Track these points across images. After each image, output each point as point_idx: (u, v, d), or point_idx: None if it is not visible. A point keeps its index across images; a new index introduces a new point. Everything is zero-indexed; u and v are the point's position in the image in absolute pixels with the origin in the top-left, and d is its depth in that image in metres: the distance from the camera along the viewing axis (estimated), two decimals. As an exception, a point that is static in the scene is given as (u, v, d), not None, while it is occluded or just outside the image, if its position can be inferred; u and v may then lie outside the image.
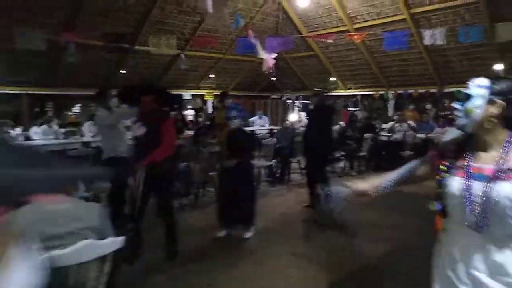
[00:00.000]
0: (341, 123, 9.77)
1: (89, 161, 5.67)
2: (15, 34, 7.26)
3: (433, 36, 8.39)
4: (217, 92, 12.95)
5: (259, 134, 11.10)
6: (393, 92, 11.94)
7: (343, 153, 8.46)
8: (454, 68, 10.23)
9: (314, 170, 5.30)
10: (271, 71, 10.59)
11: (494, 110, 1.34)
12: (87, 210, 1.99)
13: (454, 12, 8.68)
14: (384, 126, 9.55)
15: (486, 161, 1.36)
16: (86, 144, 7.95)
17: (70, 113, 11.99)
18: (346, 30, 10.41)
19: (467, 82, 1.44)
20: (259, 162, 6.93)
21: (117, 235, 2.05)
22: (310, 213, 5.30)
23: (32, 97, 10.33)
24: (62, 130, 9.21)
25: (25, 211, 1.95)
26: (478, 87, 1.38)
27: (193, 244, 4.10)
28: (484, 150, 1.39)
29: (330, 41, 9.91)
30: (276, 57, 11.08)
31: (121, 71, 10.52)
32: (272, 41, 9.66)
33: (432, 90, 10.97)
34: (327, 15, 10.59)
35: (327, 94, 5.46)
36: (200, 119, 10.66)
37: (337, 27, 10.65)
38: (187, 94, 13.10)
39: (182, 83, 12.50)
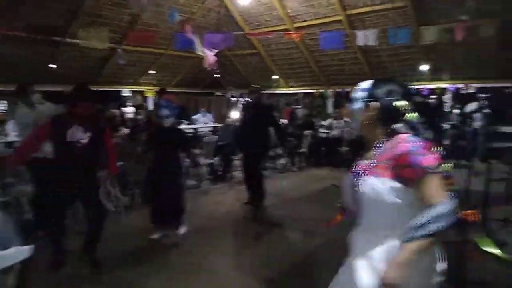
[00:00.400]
0: (284, 120, 9.97)
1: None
2: None
3: (365, 37, 8.84)
4: (158, 89, 12.58)
5: (202, 132, 10.97)
6: (332, 90, 12.42)
7: (284, 149, 8.64)
8: (386, 68, 10.88)
9: (249, 167, 5.34)
10: (213, 68, 10.49)
11: (370, 112, 1.48)
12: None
13: (384, 14, 9.22)
14: (323, 123, 9.90)
15: (367, 158, 1.52)
16: (9, 144, 7.30)
17: (-6, 110, 10.93)
18: (286, 29, 10.61)
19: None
20: (200, 160, 6.84)
21: (26, 243, 1.88)
22: (250, 210, 5.33)
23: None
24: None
25: None
26: (360, 91, 1.52)
27: (127, 248, 3.92)
28: (369, 149, 1.53)
29: (270, 36, 10.02)
30: (219, 54, 11.00)
31: (50, 65, 9.78)
32: (211, 37, 9.56)
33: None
34: (268, 14, 10.72)
35: (265, 91, 5.48)
36: (140, 117, 10.26)
37: (278, 25, 10.82)
38: (126, 91, 12.56)
39: (121, 79, 11.94)
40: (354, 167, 1.55)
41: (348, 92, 11.81)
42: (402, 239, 1.28)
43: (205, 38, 9.40)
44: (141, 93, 12.98)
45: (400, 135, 1.41)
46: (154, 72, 12.53)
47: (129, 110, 11.41)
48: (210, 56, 8.40)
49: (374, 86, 1.50)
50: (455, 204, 1.25)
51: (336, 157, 8.62)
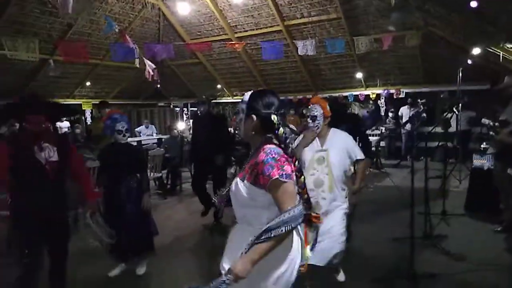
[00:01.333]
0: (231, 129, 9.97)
1: None
2: None
3: (305, 47, 9.22)
4: (96, 101, 11.94)
5: (146, 144, 10.61)
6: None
7: (233, 158, 8.64)
8: (325, 76, 11.41)
9: (202, 177, 5.28)
10: (155, 78, 10.21)
11: (249, 123, 1.63)
12: None
13: (320, 25, 9.68)
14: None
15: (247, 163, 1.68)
16: None
17: None
18: (228, 38, 10.68)
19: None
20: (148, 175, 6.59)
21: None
22: (204, 221, 5.24)
23: None
24: None
25: None
26: (241, 102, 1.67)
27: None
28: (250, 154, 1.68)
29: (207, 52, 9.99)
30: (160, 64, 10.73)
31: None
32: (151, 47, 9.34)
33: (309, 96, 12.05)
34: (209, 23, 10.71)
35: (214, 101, 5.41)
36: (77, 131, 9.64)
37: (219, 35, 10.86)
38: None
39: (53, 92, 11.13)
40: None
41: (290, 100, 12.17)
42: (253, 239, 1.47)
43: (145, 48, 9.15)
44: (77, 106, 12.21)
45: (266, 145, 1.56)
46: (90, 83, 11.88)
47: (63, 125, 10.66)
48: (150, 66, 8.16)
49: (253, 99, 1.63)
50: (300, 211, 1.50)
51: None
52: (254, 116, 1.60)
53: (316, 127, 3.05)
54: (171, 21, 10.98)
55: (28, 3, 8.07)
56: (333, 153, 3.02)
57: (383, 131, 10.65)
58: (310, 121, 3.06)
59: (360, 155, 3.09)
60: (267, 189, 1.50)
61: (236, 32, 10.65)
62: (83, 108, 12.35)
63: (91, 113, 12.47)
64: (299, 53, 9.59)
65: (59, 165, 2.72)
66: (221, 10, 10.10)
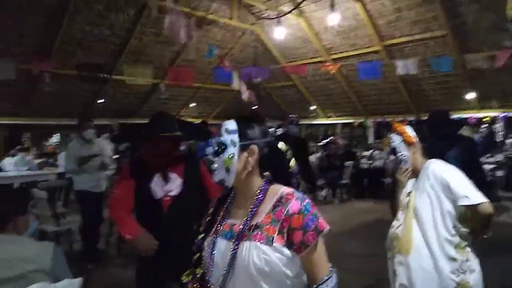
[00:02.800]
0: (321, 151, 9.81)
1: (60, 193, 5.44)
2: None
3: (405, 66, 8.69)
4: (198, 121, 12.92)
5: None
6: (372, 120, 12.17)
7: (324, 181, 8.45)
8: (429, 96, 10.55)
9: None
10: (251, 100, 10.67)
11: (250, 157, 1.18)
12: (39, 250, 1.81)
13: (423, 44, 9.04)
14: (364, 153, 9.64)
15: (239, 216, 1.20)
16: (61, 175, 7.68)
17: (48, 144, 11.68)
18: (322, 60, 10.67)
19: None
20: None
21: (76, 276, 1.86)
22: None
23: (7, 127, 10.04)
24: (38, 160, 8.93)
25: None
26: (226, 133, 1.20)
27: None
28: (242, 203, 1.23)
29: (302, 75, 10.09)
30: (256, 86, 11.22)
31: (99, 101, 10.40)
32: (248, 71, 9.80)
33: (410, 118, 11.25)
34: (304, 47, 10.87)
35: (299, 122, 5.20)
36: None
37: (314, 57, 10.92)
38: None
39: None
40: (216, 227, 1.23)
41: (388, 122, 11.51)
42: None
43: (243, 72, 9.64)
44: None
45: (282, 188, 1.19)
46: (194, 104, 12.96)
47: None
48: (246, 89, 8.60)
49: (245, 125, 1.21)
50: (336, 278, 1.15)
51: (379, 188, 8.29)
52: (255, 147, 1.18)
53: (403, 163, 2.12)
54: (268, 45, 11.43)
55: (146, 36, 9.25)
56: (421, 196, 1.98)
57: (501, 159, 9.32)
58: (393, 156, 2.34)
59: (473, 197, 1.83)
60: (303, 249, 1.09)
61: (331, 54, 10.58)
62: (187, 128, 13.46)
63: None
64: (399, 73, 9.07)
65: (182, 200, 2.18)
66: (317, 33, 10.17)
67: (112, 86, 10.11)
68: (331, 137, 12.16)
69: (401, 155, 2.10)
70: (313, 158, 8.89)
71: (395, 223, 2.10)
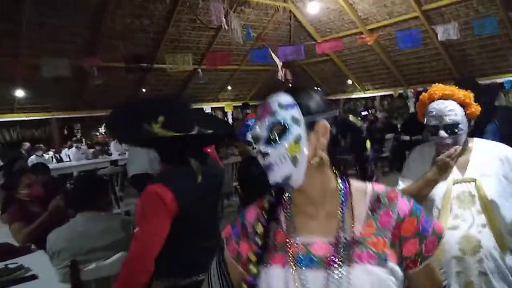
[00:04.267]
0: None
1: (117, 178, 5.92)
2: (41, 63, 7.70)
3: (446, 31, 8.31)
4: (236, 104, 13.24)
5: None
6: (413, 90, 11.81)
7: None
8: (473, 61, 10.06)
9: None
10: (287, 78, 10.73)
11: (321, 138, 0.83)
12: (122, 223, 2.17)
13: (466, 5, 8.59)
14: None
15: (314, 230, 0.84)
16: (114, 162, 8.30)
17: (97, 134, 12.50)
18: (359, 32, 10.44)
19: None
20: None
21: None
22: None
23: (60, 121, 10.85)
24: (91, 150, 9.67)
25: (60, 230, 2.14)
26: (284, 109, 0.83)
27: None
28: (312, 210, 0.86)
29: (340, 44, 9.90)
30: (292, 63, 11.23)
31: (142, 90, 10.92)
32: (284, 50, 9.82)
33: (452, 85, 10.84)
34: (338, 19, 10.67)
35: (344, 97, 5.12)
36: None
37: (349, 30, 10.70)
38: (207, 107, 13.41)
39: (201, 97, 12.81)
40: (285, 250, 0.84)
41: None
42: None
43: (278, 51, 9.68)
44: (221, 108, 13.73)
45: (366, 183, 0.89)
46: (230, 87, 13.21)
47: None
48: (281, 67, 8.68)
49: (303, 95, 0.86)
50: None
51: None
52: (326, 124, 0.83)
53: (456, 143, 1.50)
54: (302, 21, 11.33)
55: (182, 22, 9.52)
56: (490, 184, 1.49)
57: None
58: (443, 134, 1.50)
59: None
60: (418, 265, 0.82)
61: (367, 24, 10.32)
62: (225, 110, 13.80)
63: (232, 114, 13.84)
64: (440, 38, 8.70)
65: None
66: (351, 4, 9.94)
67: (153, 75, 10.55)
68: (369, 110, 12.01)
69: (459, 134, 1.49)
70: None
71: (458, 222, 1.49)
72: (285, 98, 0.85)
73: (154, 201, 1.34)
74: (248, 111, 6.68)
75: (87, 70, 8.54)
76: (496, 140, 1.68)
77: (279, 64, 8.82)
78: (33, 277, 2.15)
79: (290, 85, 13.23)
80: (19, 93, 8.95)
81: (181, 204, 1.38)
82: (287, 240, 0.84)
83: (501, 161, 1.50)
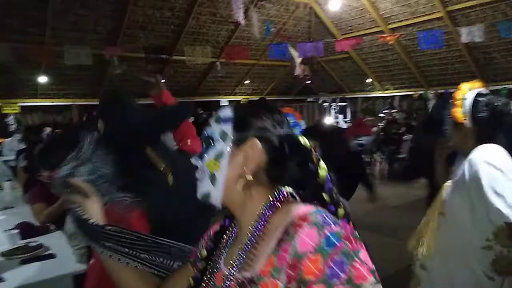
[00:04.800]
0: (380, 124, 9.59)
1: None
2: (64, 51, 7.89)
3: (470, 33, 8.12)
4: (253, 98, 13.26)
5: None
6: (433, 91, 11.60)
7: (381, 155, 8.39)
8: (498, 64, 9.81)
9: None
10: (305, 74, 10.68)
11: (250, 158, 0.74)
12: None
13: (493, 7, 8.36)
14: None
15: (231, 258, 0.75)
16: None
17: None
18: (380, 31, 10.29)
19: None
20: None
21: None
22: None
23: (81, 107, 11.10)
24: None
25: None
26: (218, 123, 0.78)
27: None
28: (240, 237, 0.78)
29: (358, 43, 9.77)
30: (311, 60, 11.16)
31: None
32: (303, 46, 9.77)
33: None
34: (360, 17, 10.54)
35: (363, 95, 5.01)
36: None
37: (371, 28, 10.56)
38: (224, 101, 13.49)
39: (219, 90, 12.88)
40: (206, 279, 0.80)
41: (451, 93, 10.91)
42: None
43: (297, 47, 9.64)
44: (237, 102, 13.78)
45: (298, 207, 0.71)
46: (248, 82, 13.23)
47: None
48: (300, 63, 8.65)
49: (245, 111, 0.79)
50: None
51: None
52: (255, 142, 0.73)
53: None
54: (322, 18, 11.23)
55: (203, 15, 9.57)
56: (451, 207, 1.47)
57: None
58: None
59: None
60: None
61: (389, 24, 10.17)
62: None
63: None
64: (463, 40, 8.52)
65: None
66: (373, 2, 9.80)
67: (172, 66, 10.66)
68: (387, 110, 11.86)
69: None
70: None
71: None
72: (225, 112, 0.79)
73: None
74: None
75: (108, 59, 8.69)
76: None
77: (298, 60, 8.79)
78: (51, 256, 2.24)
79: (308, 81, 13.21)
80: (42, 79, 9.19)
81: (153, 220, 1.20)
82: (213, 265, 0.81)
83: (467, 177, 1.38)
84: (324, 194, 0.73)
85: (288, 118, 1.85)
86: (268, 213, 0.73)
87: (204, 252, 0.83)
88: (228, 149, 0.74)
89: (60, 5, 7.68)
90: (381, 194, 6.62)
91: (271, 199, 0.74)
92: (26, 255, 2.21)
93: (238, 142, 0.74)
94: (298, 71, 9.13)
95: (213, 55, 10.67)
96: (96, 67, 9.13)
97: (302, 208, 0.69)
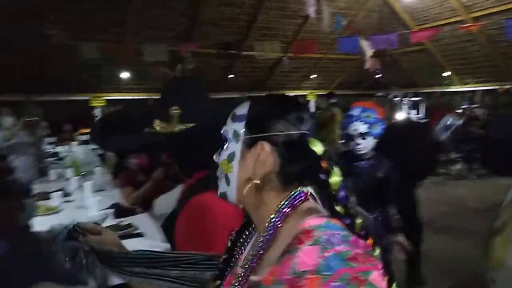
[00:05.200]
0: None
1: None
2: (143, 49, 8.51)
3: None
4: (319, 92, 13.09)
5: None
6: (522, 85, 10.49)
7: (459, 154, 7.82)
8: None
9: None
10: (376, 68, 10.26)
11: (260, 161, 0.70)
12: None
13: None
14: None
15: (246, 258, 0.74)
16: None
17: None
18: (460, 20, 9.53)
19: None
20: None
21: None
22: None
23: (156, 101, 11.88)
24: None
25: (165, 197, 2.39)
26: (233, 121, 0.75)
27: None
28: (256, 238, 0.78)
29: (435, 34, 9.10)
30: (382, 53, 10.70)
31: (229, 76, 11.41)
32: (375, 39, 9.37)
33: None
34: (438, 6, 9.85)
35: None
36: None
37: (450, 18, 9.82)
38: (290, 95, 13.53)
39: (285, 85, 12.94)
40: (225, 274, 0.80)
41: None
42: None
43: (369, 40, 9.29)
44: (303, 96, 13.71)
45: (310, 218, 0.65)
46: (315, 76, 13.10)
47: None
48: (372, 57, 8.32)
49: (260, 108, 0.74)
50: None
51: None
52: (264, 145, 0.69)
53: None
54: (395, 9, 10.70)
55: (272, 10, 9.67)
56: None
57: None
58: None
59: None
60: None
61: (471, 12, 9.37)
62: (307, 99, 13.75)
63: (316, 102, 13.73)
64: None
65: None
66: (455, -11, 9.11)
67: (241, 61, 10.94)
68: (467, 106, 10.97)
69: None
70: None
71: None
72: (241, 109, 0.75)
73: None
74: (334, 100, 6.57)
75: (183, 56, 9.18)
76: None
77: (369, 53, 8.48)
78: (140, 234, 2.49)
79: (378, 75, 12.65)
80: (124, 74, 10.01)
81: None
82: (233, 264, 0.80)
83: None
84: (336, 205, 0.67)
85: (368, 113, 1.77)
86: (278, 220, 0.68)
87: (229, 243, 0.82)
88: (239, 150, 0.72)
89: (139, 5, 8.30)
90: (458, 195, 6.23)
91: (281, 206, 0.69)
92: (117, 233, 2.48)
93: (249, 144, 0.71)
94: (368, 64, 8.80)
95: (281, 49, 10.75)
96: (170, 63, 9.71)
97: (311, 220, 0.64)
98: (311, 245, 0.58)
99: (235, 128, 0.73)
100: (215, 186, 0.79)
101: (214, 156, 0.78)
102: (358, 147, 2.13)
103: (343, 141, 2.37)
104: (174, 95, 1.19)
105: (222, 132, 0.76)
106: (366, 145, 2.13)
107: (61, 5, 7.56)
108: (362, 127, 2.09)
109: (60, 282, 1.59)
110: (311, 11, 6.07)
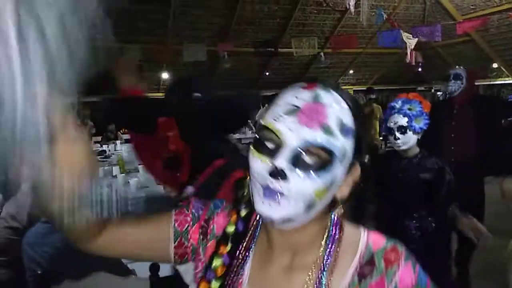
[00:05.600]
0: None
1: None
2: (183, 49, 8.71)
3: None
4: (357, 88, 12.83)
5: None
6: None
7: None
8: None
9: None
10: (417, 62, 9.88)
11: (350, 185, 0.65)
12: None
13: None
14: None
15: (275, 280, 0.64)
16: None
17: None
18: (510, 8, 8.94)
19: None
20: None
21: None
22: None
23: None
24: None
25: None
26: (343, 133, 0.59)
27: None
28: (282, 253, 0.65)
29: (483, 23, 8.57)
30: (423, 45, 10.27)
31: (266, 73, 11.42)
32: (418, 31, 9.01)
33: None
34: (486, -7, 9.31)
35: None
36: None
37: (500, 5, 9.23)
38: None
39: (321, 81, 12.75)
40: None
41: None
42: None
43: (412, 32, 8.96)
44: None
45: (362, 231, 0.64)
46: (352, 71, 12.81)
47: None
48: (413, 50, 8.01)
49: (362, 122, 0.63)
50: None
51: None
52: (358, 165, 0.62)
53: None
54: (439, -2, 10.23)
55: (308, 6, 9.57)
56: None
57: None
58: None
59: None
60: None
61: (523, -1, 8.77)
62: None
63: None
64: None
65: None
66: (505, -26, 8.56)
67: (277, 58, 10.92)
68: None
69: None
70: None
71: None
72: (347, 116, 0.58)
73: None
74: (373, 96, 6.43)
75: (220, 55, 9.31)
76: None
77: (411, 46, 8.17)
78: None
79: (420, 69, 12.18)
80: (164, 75, 10.29)
81: None
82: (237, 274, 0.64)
83: None
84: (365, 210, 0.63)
85: (411, 106, 1.67)
86: (336, 233, 0.62)
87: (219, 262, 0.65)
88: (343, 174, 0.58)
89: (181, 7, 8.49)
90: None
91: (336, 217, 0.63)
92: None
93: (350, 167, 0.59)
94: (409, 58, 8.48)
95: (318, 45, 10.61)
96: (208, 62, 9.87)
97: (372, 234, 0.62)
98: (405, 262, 0.59)
99: (345, 146, 0.56)
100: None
101: (281, 164, 0.54)
102: (397, 142, 1.87)
103: (382, 135, 2.21)
104: (173, 95, 1.32)
105: (317, 139, 0.55)
106: (405, 141, 1.86)
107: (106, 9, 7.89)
108: (402, 120, 1.85)
109: (112, 272, 1.71)
110: (350, 4, 5.95)
